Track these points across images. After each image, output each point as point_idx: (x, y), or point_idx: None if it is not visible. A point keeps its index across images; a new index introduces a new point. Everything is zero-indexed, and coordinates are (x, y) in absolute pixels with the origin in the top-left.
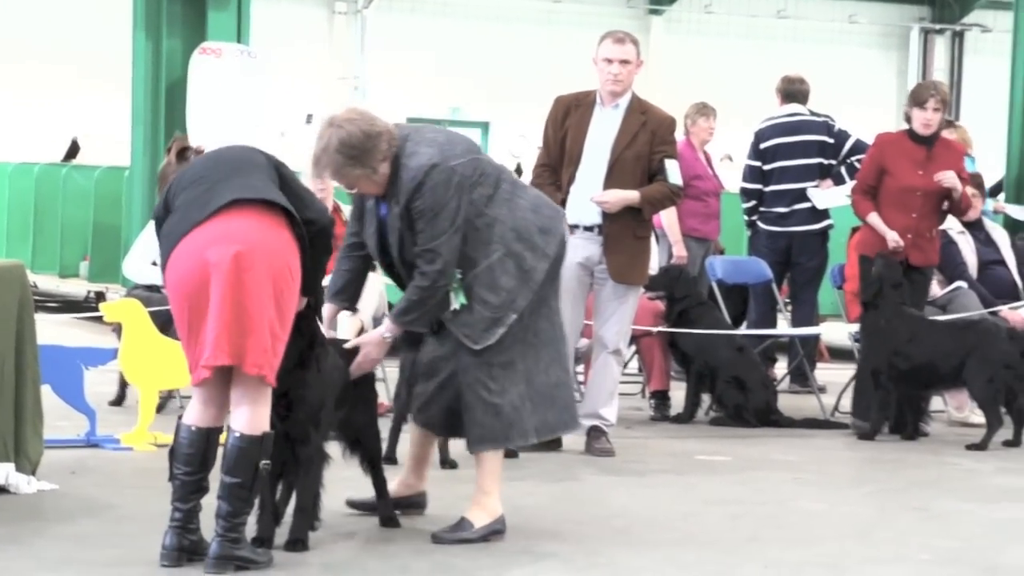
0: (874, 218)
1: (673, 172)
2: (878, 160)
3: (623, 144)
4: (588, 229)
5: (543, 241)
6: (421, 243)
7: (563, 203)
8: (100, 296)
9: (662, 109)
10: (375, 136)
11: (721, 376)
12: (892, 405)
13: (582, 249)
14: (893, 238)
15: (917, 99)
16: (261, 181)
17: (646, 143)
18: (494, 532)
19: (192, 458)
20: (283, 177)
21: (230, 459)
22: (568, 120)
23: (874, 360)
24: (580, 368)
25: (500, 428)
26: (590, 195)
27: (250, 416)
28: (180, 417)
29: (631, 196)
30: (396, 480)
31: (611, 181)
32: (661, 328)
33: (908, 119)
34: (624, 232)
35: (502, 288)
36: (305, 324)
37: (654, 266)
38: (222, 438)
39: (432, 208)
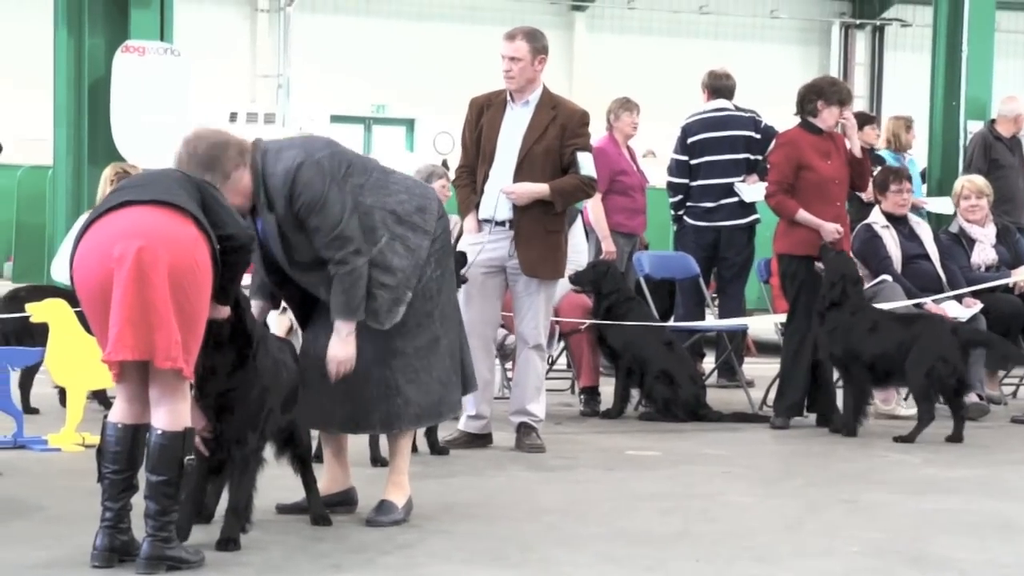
0: (804, 215)
1: (586, 164)
2: (794, 157)
3: (532, 139)
4: (500, 224)
5: (421, 220)
6: (324, 235)
7: (477, 205)
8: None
9: (573, 103)
10: (222, 144)
11: (650, 371)
12: (868, 396)
13: (493, 244)
14: (835, 228)
15: (835, 98)
16: (168, 189)
17: (556, 137)
18: (409, 510)
19: (119, 456)
20: (203, 195)
21: (153, 457)
22: (482, 120)
23: (842, 356)
24: (508, 365)
25: (433, 404)
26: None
27: (169, 412)
28: (105, 416)
29: (540, 189)
30: (323, 478)
31: (521, 176)
32: (589, 322)
33: (813, 113)
34: (535, 227)
35: (397, 269)
36: (239, 324)
37: (583, 261)
38: None
39: (317, 200)
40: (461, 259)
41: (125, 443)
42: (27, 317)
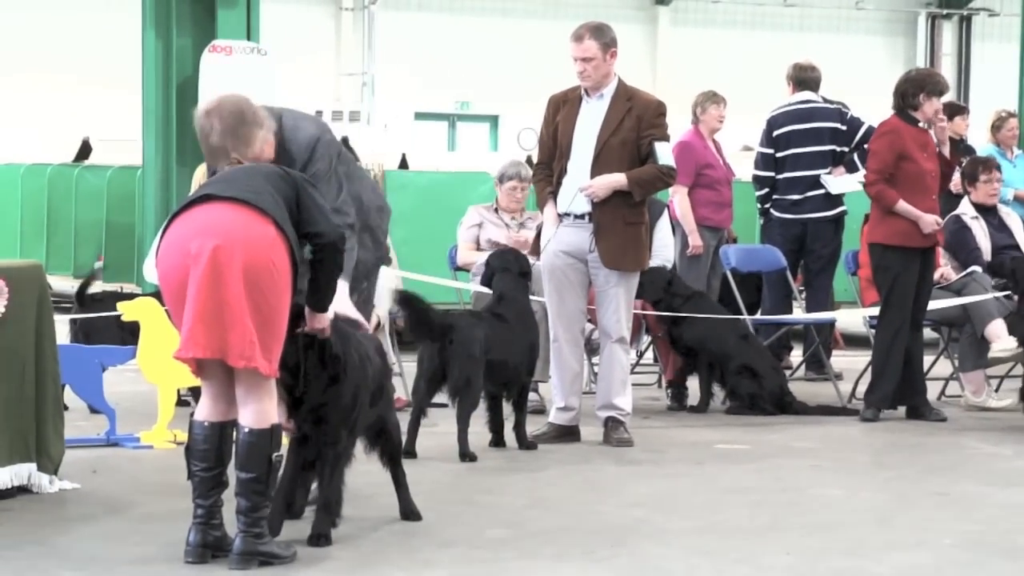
0: (904, 205)
1: (663, 153)
2: (896, 146)
3: (608, 132)
4: (579, 217)
5: (380, 219)
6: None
7: (553, 195)
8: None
9: (649, 94)
10: (247, 101)
11: (730, 367)
12: None
13: (572, 237)
14: (934, 220)
15: (936, 89)
16: (253, 187)
17: (632, 129)
18: None
19: (207, 454)
20: (299, 192)
21: (241, 455)
22: (558, 116)
23: None
24: (595, 359)
25: None
26: (578, 185)
27: (256, 410)
28: (192, 414)
29: (617, 179)
30: None
31: (598, 169)
32: (654, 313)
33: (914, 106)
34: (614, 219)
35: (360, 261)
36: (326, 347)
37: (670, 256)
38: None
39: (326, 172)
40: (526, 262)
41: (212, 440)
42: (112, 316)
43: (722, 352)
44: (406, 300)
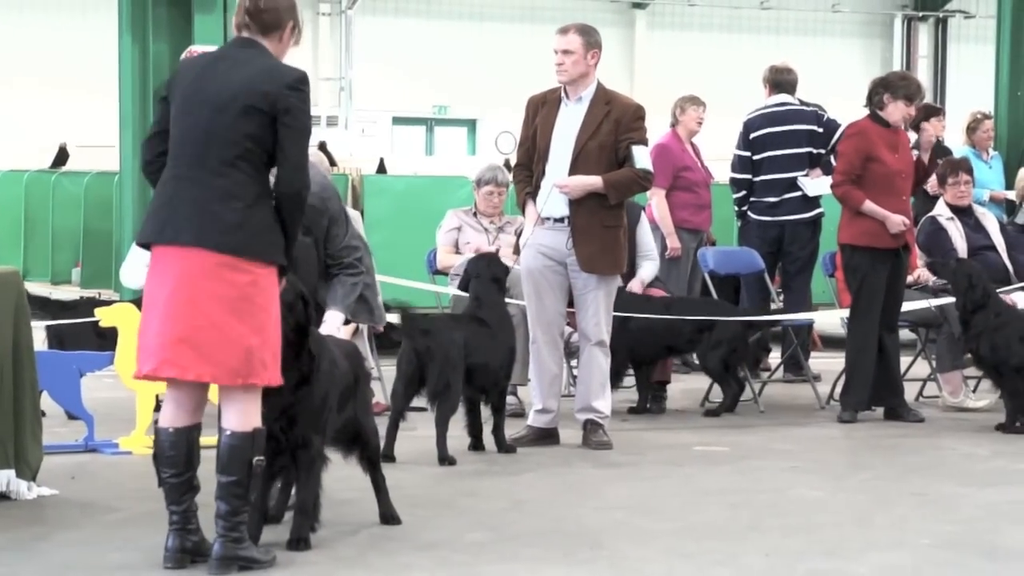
0: (871, 206)
1: (640, 157)
2: (863, 148)
3: (587, 135)
4: (558, 221)
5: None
6: (341, 240)
7: (532, 196)
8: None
9: (628, 97)
10: None
11: None
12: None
13: (550, 240)
14: (901, 220)
15: (903, 93)
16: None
17: (610, 132)
18: None
19: (175, 459)
20: (278, 126)
21: (223, 458)
22: (537, 118)
23: (992, 359)
24: (573, 362)
25: None
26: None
27: (239, 412)
28: (156, 422)
29: (593, 181)
30: None
31: (576, 172)
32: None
33: (880, 105)
34: (591, 223)
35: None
36: (306, 343)
37: (656, 257)
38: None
39: (339, 211)
40: (504, 269)
41: (180, 447)
42: (86, 322)
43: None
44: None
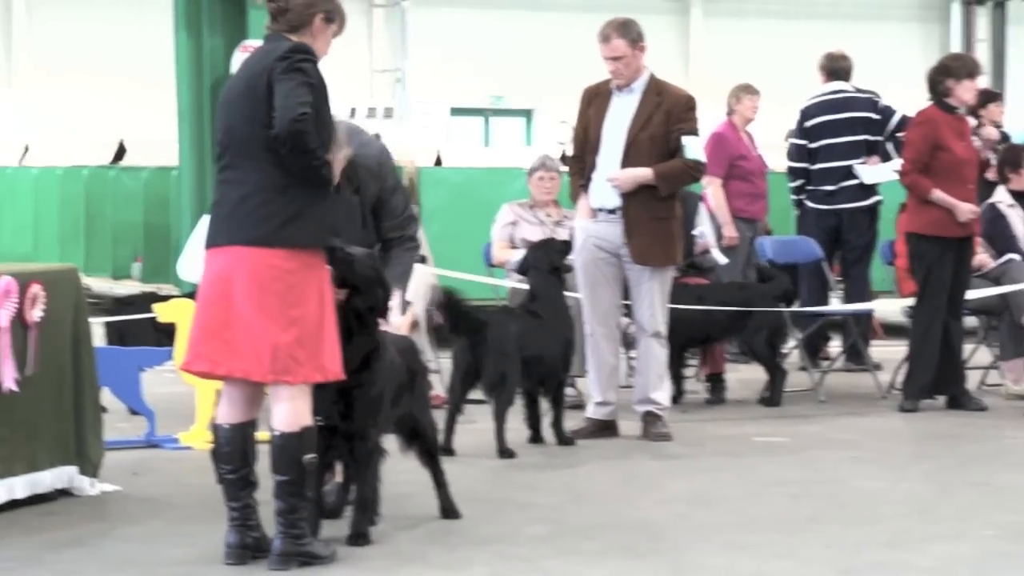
0: (939, 194)
1: (692, 148)
2: (931, 136)
3: (638, 126)
4: (611, 212)
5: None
6: (399, 214)
7: (584, 188)
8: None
9: (679, 88)
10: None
11: None
12: None
13: (604, 232)
14: (970, 209)
15: (963, 71)
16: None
17: (662, 124)
18: None
19: (231, 456)
20: (272, 86)
21: (274, 458)
22: (590, 110)
23: None
24: (632, 353)
25: None
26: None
27: (287, 413)
28: (213, 418)
29: (643, 173)
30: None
31: (627, 164)
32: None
33: (947, 92)
34: (643, 214)
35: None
36: (370, 326)
37: (710, 245)
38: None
39: (394, 185)
40: (566, 247)
41: (235, 443)
42: (145, 318)
43: None
44: (443, 297)
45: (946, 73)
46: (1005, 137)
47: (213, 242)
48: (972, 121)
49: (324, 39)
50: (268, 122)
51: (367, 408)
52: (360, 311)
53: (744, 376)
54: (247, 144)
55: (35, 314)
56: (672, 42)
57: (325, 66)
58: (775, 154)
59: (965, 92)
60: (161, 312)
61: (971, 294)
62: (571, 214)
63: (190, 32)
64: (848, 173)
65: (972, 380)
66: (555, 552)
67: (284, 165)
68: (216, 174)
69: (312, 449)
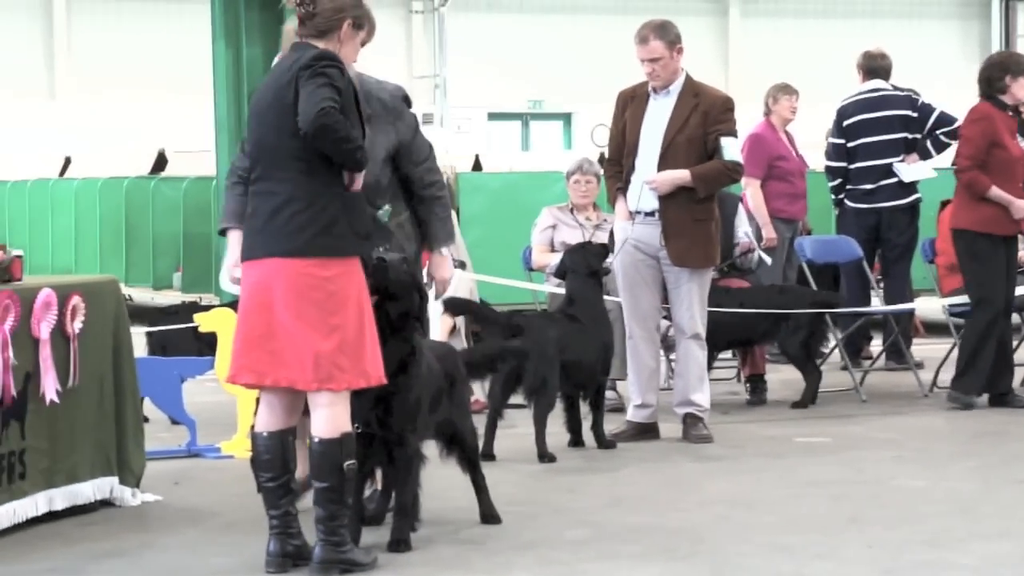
0: (997, 191)
1: (729, 149)
2: (989, 133)
3: (675, 129)
4: (649, 215)
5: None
6: (423, 159)
7: (622, 191)
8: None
9: (716, 89)
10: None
11: None
12: None
13: (643, 234)
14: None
15: (1021, 68)
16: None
17: (699, 125)
18: None
19: (271, 463)
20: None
21: (314, 465)
22: (626, 112)
23: None
24: (672, 356)
25: None
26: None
27: (327, 419)
28: (252, 427)
29: (681, 175)
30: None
31: (665, 166)
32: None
33: (1001, 90)
34: (682, 216)
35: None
36: (405, 331)
37: (753, 246)
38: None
39: (415, 124)
40: (604, 251)
41: (274, 451)
42: (186, 328)
43: None
44: (459, 305)
45: (1005, 69)
46: None
47: (249, 255)
48: None
49: (352, 46)
50: (296, 131)
51: (405, 414)
52: (394, 316)
53: (785, 377)
54: (277, 155)
55: (76, 326)
56: (711, 43)
57: (364, 72)
58: (814, 153)
59: (1021, 89)
60: (202, 322)
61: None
62: (610, 217)
63: (228, 42)
64: (887, 171)
65: (1016, 377)
66: (596, 556)
67: (315, 174)
68: (250, 186)
69: (352, 455)
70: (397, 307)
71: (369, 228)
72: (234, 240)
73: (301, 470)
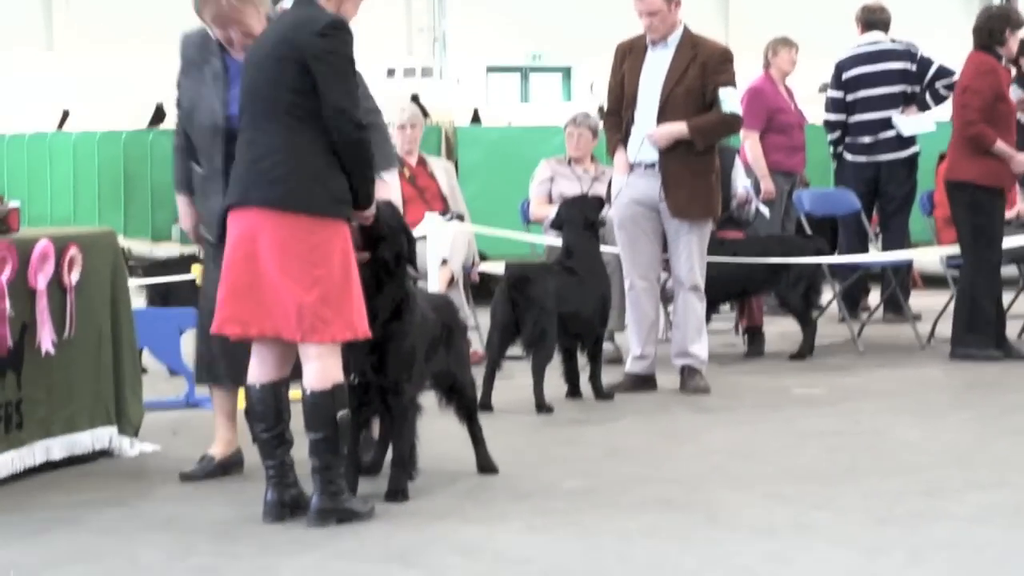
0: (1002, 145)
1: (728, 100)
2: (996, 86)
3: (673, 81)
4: (649, 167)
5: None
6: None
7: (622, 143)
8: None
9: (714, 41)
10: None
11: None
12: None
13: (641, 186)
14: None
15: (1020, 21)
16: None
17: (697, 77)
18: None
19: (265, 414)
20: (311, 69)
21: (307, 416)
22: (624, 64)
23: None
24: (670, 308)
25: None
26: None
27: (317, 371)
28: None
29: (679, 128)
30: (218, 443)
31: (664, 119)
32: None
33: (1001, 43)
34: (681, 168)
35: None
36: (398, 275)
37: (751, 198)
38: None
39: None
40: (599, 203)
41: (267, 402)
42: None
43: None
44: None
45: (1007, 22)
46: None
47: (233, 201)
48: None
49: (353, 2)
50: (295, 87)
51: (400, 361)
52: (387, 260)
53: (782, 329)
54: (268, 106)
55: (73, 277)
56: None
57: (362, 27)
58: (813, 107)
59: (1015, 43)
60: (199, 273)
61: (1010, 243)
62: (609, 169)
63: None
64: (886, 124)
65: (1012, 329)
66: (592, 506)
67: (302, 131)
68: (239, 134)
69: (344, 405)
70: (388, 250)
71: (347, 195)
72: (182, 204)
73: (219, 449)
